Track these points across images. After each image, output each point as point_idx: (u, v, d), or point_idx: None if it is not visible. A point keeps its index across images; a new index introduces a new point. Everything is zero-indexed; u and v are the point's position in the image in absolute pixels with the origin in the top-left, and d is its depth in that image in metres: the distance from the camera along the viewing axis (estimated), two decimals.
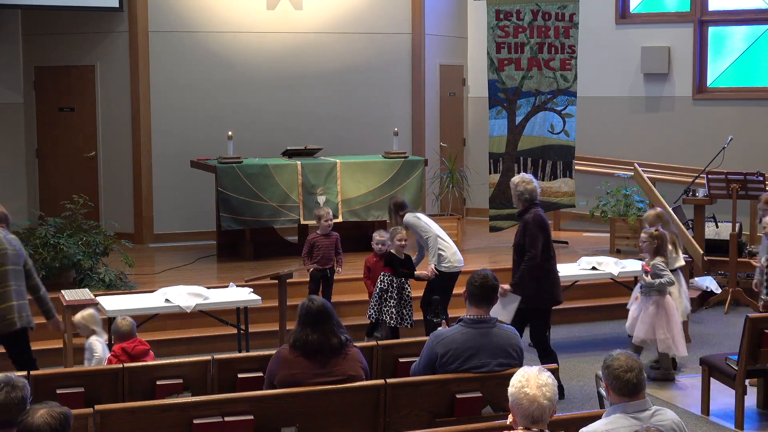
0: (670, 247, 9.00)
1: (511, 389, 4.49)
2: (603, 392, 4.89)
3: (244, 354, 8.04)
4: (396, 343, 7.04)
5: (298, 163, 12.06)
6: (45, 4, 12.79)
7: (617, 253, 12.48)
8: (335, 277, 10.33)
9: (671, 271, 8.90)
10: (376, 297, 9.32)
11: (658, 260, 8.70)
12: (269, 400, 5.64)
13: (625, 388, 4.64)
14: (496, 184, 13.10)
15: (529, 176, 8.49)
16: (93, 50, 13.39)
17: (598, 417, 4.82)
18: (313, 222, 11.96)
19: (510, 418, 4.58)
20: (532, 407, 4.41)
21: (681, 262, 9.35)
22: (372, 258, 9.66)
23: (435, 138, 14.82)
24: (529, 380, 4.46)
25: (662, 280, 8.61)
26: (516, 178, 8.50)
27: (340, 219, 12.06)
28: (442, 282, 9.45)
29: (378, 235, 9.67)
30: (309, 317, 5.86)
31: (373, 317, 9.35)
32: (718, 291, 11.67)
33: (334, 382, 5.78)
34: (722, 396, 8.08)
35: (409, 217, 9.70)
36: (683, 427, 4.74)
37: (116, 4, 13.06)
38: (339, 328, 5.90)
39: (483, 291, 6.01)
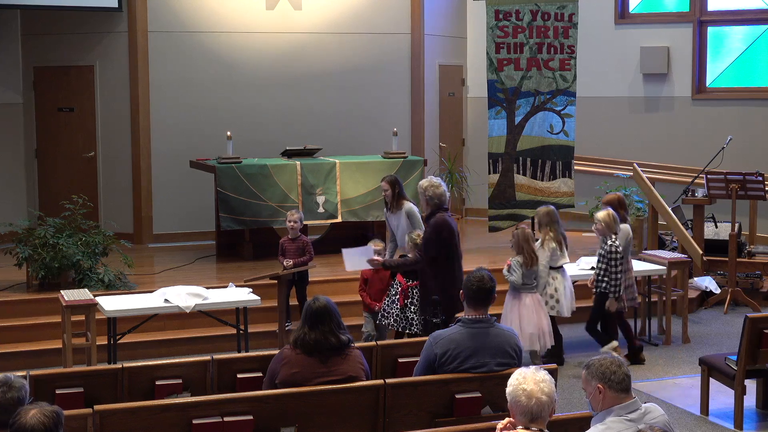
0: (554, 244, 9.19)
1: (508, 389, 4.49)
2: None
3: (243, 354, 8.04)
4: (396, 344, 7.05)
5: (298, 163, 12.05)
6: (44, 4, 12.80)
7: None
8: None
9: (555, 268, 9.19)
10: (397, 308, 9.02)
11: (515, 258, 8.95)
12: (269, 400, 5.65)
13: (624, 382, 4.65)
14: (496, 184, 13.10)
15: (437, 180, 8.39)
16: (92, 50, 13.39)
17: None
18: (314, 222, 12.00)
19: (505, 421, 4.58)
20: (530, 403, 4.40)
21: (565, 260, 9.39)
22: (368, 270, 9.32)
23: (434, 138, 14.82)
24: (527, 378, 4.47)
25: (509, 278, 8.93)
26: (425, 182, 8.37)
27: (339, 219, 12.06)
28: None
29: (373, 245, 9.29)
30: (309, 316, 5.89)
31: (400, 328, 9.04)
32: (718, 291, 11.68)
33: (335, 381, 5.79)
34: (721, 396, 8.09)
35: (412, 206, 9.61)
36: (670, 423, 4.76)
37: (115, 4, 13.06)
38: (339, 329, 5.92)
39: (481, 293, 6.02)
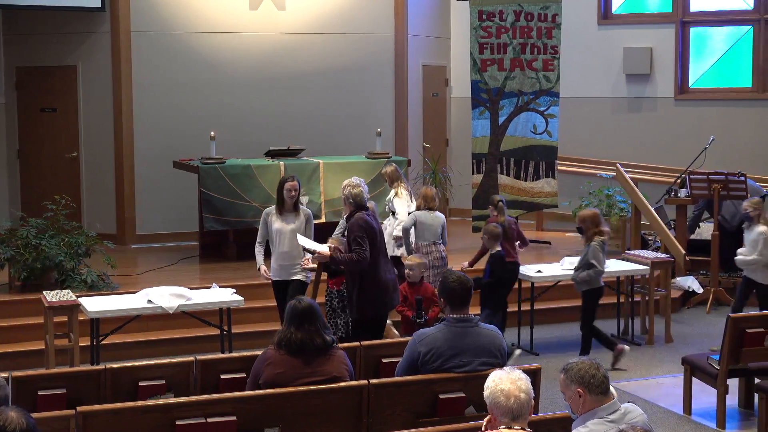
0: (406, 192, 10.60)
1: (486, 392, 4.51)
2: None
3: (226, 355, 8.02)
4: (379, 344, 7.04)
5: (281, 163, 12.04)
6: (27, 4, 12.75)
7: None
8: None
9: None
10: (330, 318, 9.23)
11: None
12: (252, 400, 5.64)
13: (603, 385, 4.66)
14: (479, 185, 13.13)
15: (357, 180, 8.41)
16: (75, 50, 13.35)
17: None
18: None
19: (485, 422, 4.59)
20: (509, 402, 4.42)
21: (412, 207, 10.55)
22: (406, 286, 8.96)
23: (418, 138, 14.83)
24: (502, 378, 4.49)
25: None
26: (345, 182, 8.42)
27: (323, 219, 12.05)
28: None
29: (409, 260, 9.08)
30: (294, 316, 5.89)
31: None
32: (700, 291, 11.72)
33: (319, 382, 5.79)
34: (704, 395, 8.11)
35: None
36: (649, 422, 4.79)
37: (98, 4, 13.02)
38: (324, 329, 5.93)
39: (464, 292, 6.03)
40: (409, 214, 10.30)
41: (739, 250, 9.66)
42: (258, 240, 9.26)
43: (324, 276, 9.37)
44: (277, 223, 9.09)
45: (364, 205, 8.27)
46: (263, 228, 9.22)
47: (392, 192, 10.66)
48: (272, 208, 9.21)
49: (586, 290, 9.44)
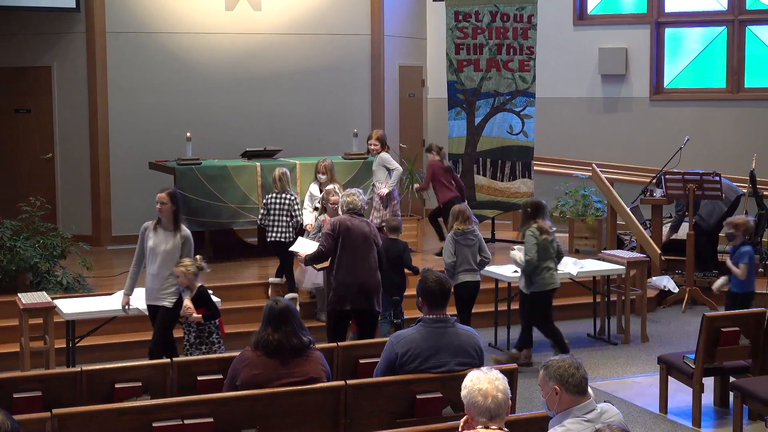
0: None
1: (464, 391, 4.52)
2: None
3: (203, 356, 7.99)
4: (357, 344, 7.04)
5: (258, 164, 12.02)
6: (0, 4, 12.65)
7: (576, 253, 12.55)
8: None
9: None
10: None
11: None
12: (229, 402, 5.63)
13: (581, 385, 4.67)
14: None
15: (354, 190, 8.86)
16: (49, 51, 13.27)
17: None
18: None
19: (462, 422, 4.60)
20: (487, 401, 4.43)
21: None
22: None
23: (395, 139, 14.81)
24: (480, 378, 4.51)
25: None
26: (344, 192, 9.04)
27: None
28: None
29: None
30: (271, 317, 5.90)
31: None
32: (676, 290, 11.77)
33: (296, 382, 5.79)
34: (680, 394, 8.16)
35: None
36: (624, 422, 4.81)
37: (73, 5, 12.95)
38: (301, 330, 5.94)
39: (442, 293, 6.05)
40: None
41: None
42: (134, 260, 8.48)
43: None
44: (151, 240, 8.34)
45: (356, 211, 8.65)
46: (140, 245, 8.42)
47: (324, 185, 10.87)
48: (151, 223, 8.40)
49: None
